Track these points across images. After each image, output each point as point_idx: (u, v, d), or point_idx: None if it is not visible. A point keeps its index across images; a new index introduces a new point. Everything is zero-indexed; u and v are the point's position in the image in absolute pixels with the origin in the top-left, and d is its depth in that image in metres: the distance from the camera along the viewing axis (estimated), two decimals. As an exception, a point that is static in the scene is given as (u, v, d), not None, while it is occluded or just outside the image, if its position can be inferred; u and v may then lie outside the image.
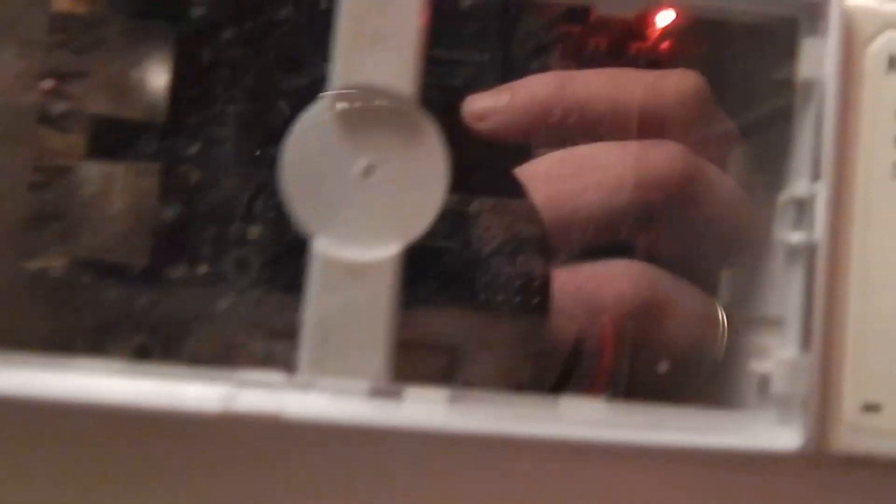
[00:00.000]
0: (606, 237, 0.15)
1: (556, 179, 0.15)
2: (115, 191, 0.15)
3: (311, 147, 0.13)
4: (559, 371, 0.15)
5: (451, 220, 0.14)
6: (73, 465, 0.12)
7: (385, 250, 0.12)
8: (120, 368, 0.12)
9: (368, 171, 0.13)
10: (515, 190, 0.14)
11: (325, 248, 0.12)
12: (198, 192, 0.14)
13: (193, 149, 0.14)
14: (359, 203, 0.13)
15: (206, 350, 0.14)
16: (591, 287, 0.15)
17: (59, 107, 0.14)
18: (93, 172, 0.15)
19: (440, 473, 0.13)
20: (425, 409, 0.12)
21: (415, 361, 0.13)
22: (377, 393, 0.12)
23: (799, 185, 0.13)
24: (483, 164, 0.15)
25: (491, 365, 0.15)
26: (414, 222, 0.13)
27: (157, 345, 0.14)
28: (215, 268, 0.14)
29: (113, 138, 0.14)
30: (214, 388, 0.12)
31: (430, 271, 0.14)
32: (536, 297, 0.14)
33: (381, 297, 0.12)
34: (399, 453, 0.13)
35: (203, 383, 0.12)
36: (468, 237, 0.14)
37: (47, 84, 0.14)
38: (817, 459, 0.13)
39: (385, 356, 0.12)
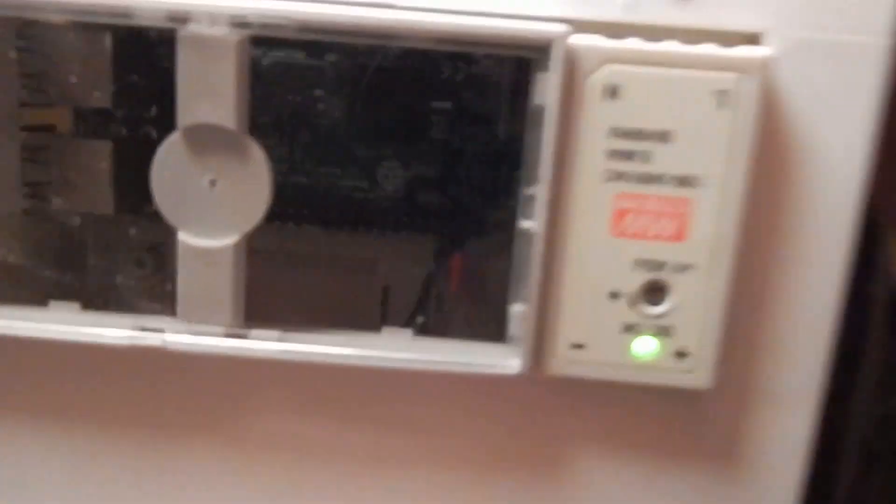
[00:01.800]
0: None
1: None
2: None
3: (171, 167, 0.18)
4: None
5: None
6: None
7: (228, 239, 0.18)
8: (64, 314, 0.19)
9: (213, 183, 0.18)
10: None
11: (185, 238, 0.18)
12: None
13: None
14: (207, 206, 0.18)
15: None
16: None
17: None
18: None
19: (274, 393, 0.19)
20: (263, 343, 0.18)
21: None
22: (230, 333, 0.18)
23: (529, 187, 0.17)
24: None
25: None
26: (248, 219, 0.18)
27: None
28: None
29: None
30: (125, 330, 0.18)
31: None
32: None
33: (226, 270, 0.18)
34: (244, 376, 0.19)
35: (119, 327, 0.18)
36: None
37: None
38: (535, 380, 0.18)
39: (232, 310, 0.18)
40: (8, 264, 0.20)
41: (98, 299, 0.19)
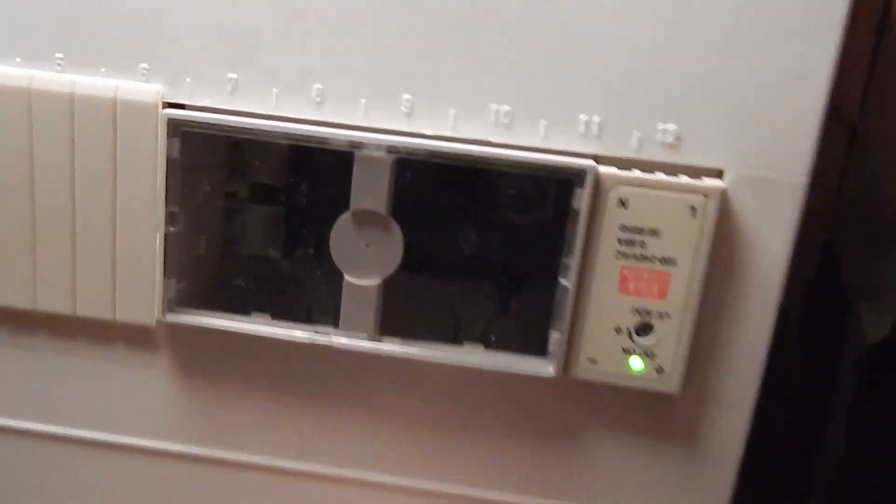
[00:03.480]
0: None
1: None
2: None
3: (343, 234, 0.28)
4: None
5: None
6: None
7: (375, 281, 0.28)
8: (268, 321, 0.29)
9: (367, 245, 0.28)
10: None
11: (349, 279, 0.28)
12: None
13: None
14: (363, 260, 0.28)
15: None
16: None
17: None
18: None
19: (394, 382, 0.30)
20: (391, 346, 0.29)
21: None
22: (372, 339, 0.29)
23: (567, 258, 0.27)
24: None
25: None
26: (387, 269, 0.28)
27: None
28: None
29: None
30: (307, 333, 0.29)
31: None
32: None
33: (372, 300, 0.28)
34: (375, 369, 0.29)
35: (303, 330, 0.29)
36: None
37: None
38: (565, 382, 0.28)
39: (374, 325, 0.29)
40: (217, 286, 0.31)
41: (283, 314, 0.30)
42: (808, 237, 0.33)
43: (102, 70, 0.28)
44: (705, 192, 0.26)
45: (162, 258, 0.29)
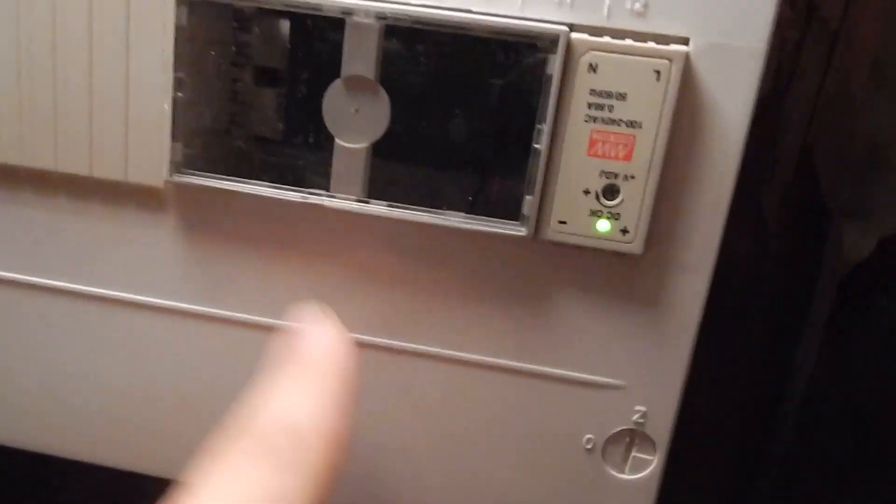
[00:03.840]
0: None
1: None
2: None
3: (334, 100, 0.30)
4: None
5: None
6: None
7: (364, 144, 0.30)
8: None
9: (357, 111, 0.30)
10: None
11: (340, 142, 0.31)
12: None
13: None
14: (353, 124, 0.30)
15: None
16: None
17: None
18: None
19: (373, 239, 0.32)
20: (377, 208, 0.31)
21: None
22: (359, 200, 0.31)
23: (539, 124, 0.29)
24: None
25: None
26: (376, 133, 0.30)
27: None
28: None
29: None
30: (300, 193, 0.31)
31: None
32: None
33: (361, 162, 0.31)
34: (361, 229, 0.32)
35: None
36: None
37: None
38: (536, 242, 0.30)
39: (362, 186, 0.31)
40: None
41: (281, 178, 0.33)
42: (786, 142, 0.35)
43: (119, -57, 0.31)
44: (669, 57, 0.28)
45: (171, 122, 0.31)
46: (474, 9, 0.29)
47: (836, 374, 0.43)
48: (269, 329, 0.34)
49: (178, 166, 0.32)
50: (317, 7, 0.30)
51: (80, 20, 0.32)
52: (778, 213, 0.41)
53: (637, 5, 0.28)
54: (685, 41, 0.28)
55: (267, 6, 0.30)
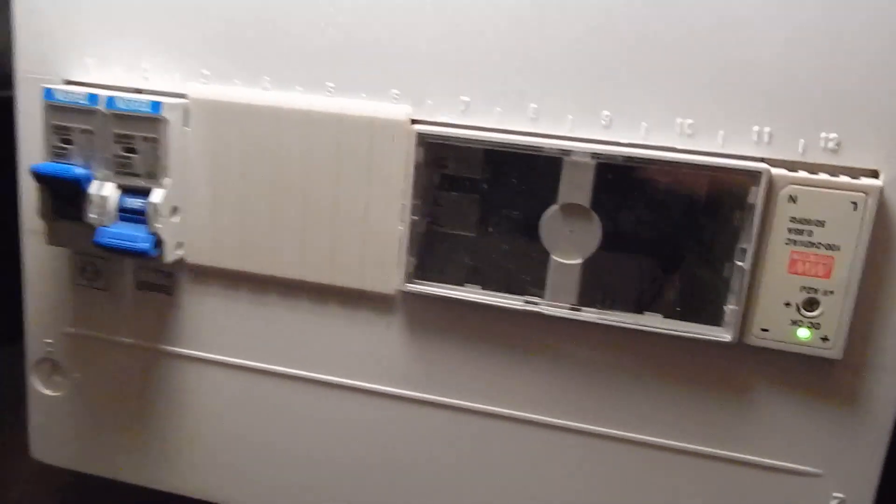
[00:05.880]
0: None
1: None
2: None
3: (552, 222, 0.35)
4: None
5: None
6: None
7: (578, 260, 0.35)
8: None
9: (571, 231, 0.35)
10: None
11: (556, 258, 0.35)
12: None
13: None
14: (567, 242, 0.35)
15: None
16: None
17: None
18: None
19: (585, 344, 0.36)
20: (589, 315, 0.35)
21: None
22: (573, 308, 0.35)
23: (743, 244, 0.33)
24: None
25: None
26: (588, 250, 0.35)
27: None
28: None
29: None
30: (519, 302, 0.36)
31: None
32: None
33: (575, 276, 0.35)
34: (569, 334, 0.36)
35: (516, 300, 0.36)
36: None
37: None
38: (739, 347, 0.34)
39: (577, 296, 0.35)
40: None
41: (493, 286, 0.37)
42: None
43: (363, 95, 0.36)
44: (866, 190, 0.31)
45: (407, 240, 0.37)
46: (678, 146, 0.33)
47: None
48: (483, 415, 0.39)
49: (409, 276, 0.37)
50: (538, 148, 0.34)
51: (330, 156, 0.37)
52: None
53: (831, 144, 0.31)
54: (875, 174, 0.31)
55: (496, 148, 0.35)
